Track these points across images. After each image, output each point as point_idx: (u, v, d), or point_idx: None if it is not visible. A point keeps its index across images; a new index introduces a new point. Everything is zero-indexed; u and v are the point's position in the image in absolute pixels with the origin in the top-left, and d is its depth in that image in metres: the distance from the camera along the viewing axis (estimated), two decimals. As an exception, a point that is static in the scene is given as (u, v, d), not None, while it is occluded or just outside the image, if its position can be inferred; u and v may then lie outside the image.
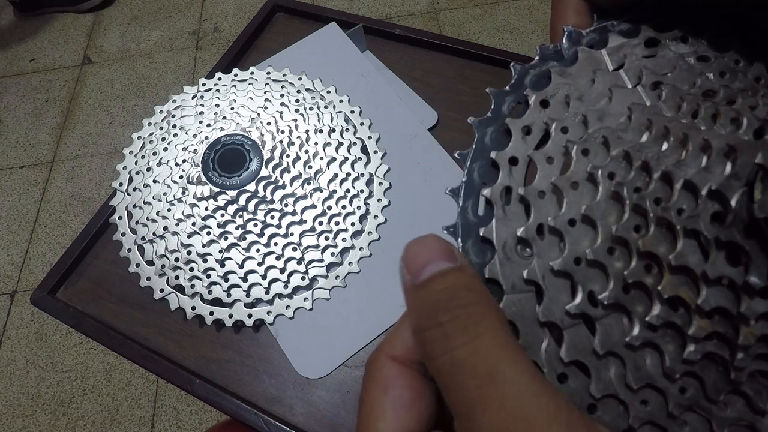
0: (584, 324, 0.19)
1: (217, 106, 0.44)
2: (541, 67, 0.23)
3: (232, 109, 0.44)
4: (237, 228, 0.40)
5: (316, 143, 0.43)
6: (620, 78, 0.22)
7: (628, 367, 0.19)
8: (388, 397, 0.19)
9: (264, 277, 0.40)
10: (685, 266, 0.18)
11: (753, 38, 0.22)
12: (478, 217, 0.21)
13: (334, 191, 0.42)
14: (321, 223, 0.41)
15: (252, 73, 0.47)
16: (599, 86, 0.22)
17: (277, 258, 0.40)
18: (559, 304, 0.19)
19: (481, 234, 0.21)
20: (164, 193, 0.41)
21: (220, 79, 0.46)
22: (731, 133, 0.18)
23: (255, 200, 0.40)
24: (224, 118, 0.43)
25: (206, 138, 0.41)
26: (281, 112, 0.44)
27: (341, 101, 0.46)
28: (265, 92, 0.45)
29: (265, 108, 0.44)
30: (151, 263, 0.41)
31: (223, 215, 0.39)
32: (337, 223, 0.41)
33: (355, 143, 0.44)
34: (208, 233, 0.39)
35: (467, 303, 0.17)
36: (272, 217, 0.40)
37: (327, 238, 0.41)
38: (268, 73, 0.47)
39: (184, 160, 0.41)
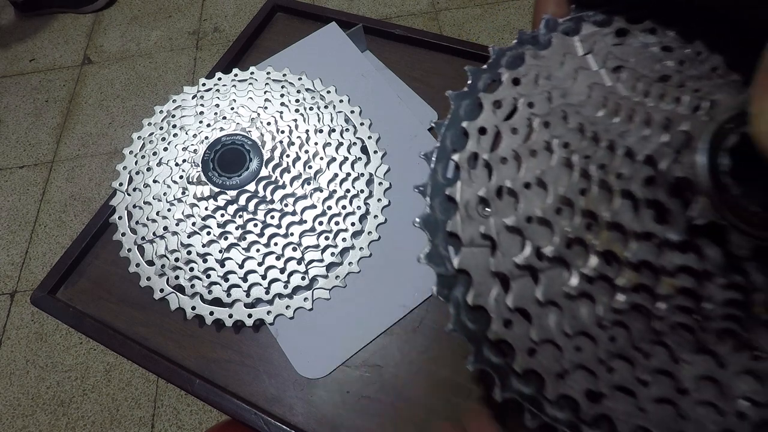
0: (530, 275, 0.21)
1: (217, 106, 0.44)
2: (518, 50, 0.25)
3: (232, 109, 0.44)
4: (237, 228, 0.39)
5: (316, 143, 0.43)
6: (587, 61, 0.24)
7: (566, 315, 0.21)
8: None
9: (264, 277, 0.40)
10: (619, 223, 0.20)
11: (718, 33, 0.23)
12: (446, 179, 0.24)
13: (334, 191, 0.42)
14: (321, 223, 0.41)
15: (252, 73, 0.47)
16: (567, 68, 0.24)
17: (277, 258, 0.40)
18: (510, 257, 0.22)
19: (446, 193, 0.23)
20: (164, 193, 0.41)
21: (220, 79, 0.46)
22: (672, 110, 0.20)
23: (255, 200, 0.40)
24: (224, 118, 0.43)
25: (206, 138, 0.41)
26: (281, 112, 0.44)
27: (341, 101, 0.46)
28: (265, 92, 0.45)
29: (265, 108, 0.44)
30: (151, 263, 0.40)
31: (223, 215, 0.39)
32: (337, 223, 0.41)
33: (355, 143, 0.44)
34: (208, 233, 0.39)
35: None
36: (272, 217, 0.40)
37: (327, 238, 0.41)
38: (268, 73, 0.47)
39: (184, 160, 0.41)
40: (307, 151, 0.42)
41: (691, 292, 0.19)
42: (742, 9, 0.22)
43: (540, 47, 0.25)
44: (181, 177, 0.41)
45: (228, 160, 0.40)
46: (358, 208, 0.42)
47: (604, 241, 0.20)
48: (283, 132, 0.42)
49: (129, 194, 0.42)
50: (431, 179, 0.24)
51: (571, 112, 0.22)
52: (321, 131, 0.44)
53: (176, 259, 0.40)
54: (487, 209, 0.23)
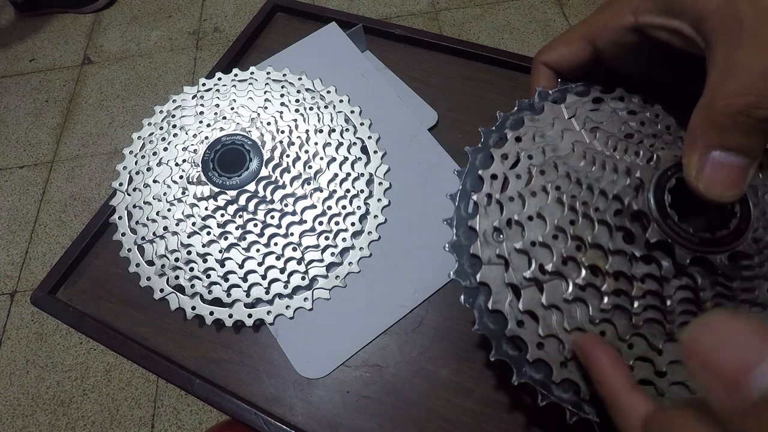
0: (536, 286, 0.28)
1: (217, 106, 0.44)
2: (518, 115, 0.32)
3: (232, 109, 0.44)
4: (237, 228, 0.40)
5: (316, 143, 0.43)
6: (571, 124, 0.31)
7: (565, 315, 0.27)
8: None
9: (264, 277, 0.40)
10: (599, 244, 0.26)
11: (673, 99, 0.31)
12: (467, 213, 0.31)
13: (334, 191, 0.42)
14: (321, 223, 0.41)
15: (252, 73, 0.47)
16: (556, 128, 0.31)
17: (277, 258, 0.40)
18: (519, 272, 0.28)
19: (469, 225, 0.30)
20: (164, 193, 0.41)
21: (220, 79, 0.46)
22: (633, 161, 0.28)
23: (255, 200, 0.40)
24: (224, 118, 0.43)
25: (206, 138, 0.41)
26: (281, 112, 0.44)
27: (341, 101, 0.46)
28: (265, 92, 0.45)
29: (265, 108, 0.44)
30: (151, 263, 0.41)
31: (223, 215, 0.39)
32: (337, 223, 0.41)
33: (355, 143, 0.44)
34: (208, 233, 0.39)
35: None
36: (272, 217, 0.40)
37: (327, 238, 0.41)
38: (268, 73, 0.47)
39: (184, 160, 0.41)
40: (307, 151, 0.42)
41: (656, 293, 0.26)
42: (685, 83, 0.30)
43: (535, 113, 0.32)
44: (181, 177, 0.41)
45: (228, 160, 0.40)
46: (358, 208, 0.42)
47: (589, 258, 0.27)
48: (283, 132, 0.42)
49: (129, 194, 0.42)
50: (456, 214, 0.31)
51: (560, 162, 0.29)
52: (321, 131, 0.44)
53: (176, 259, 0.40)
54: (500, 236, 0.29)
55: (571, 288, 0.27)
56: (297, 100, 0.45)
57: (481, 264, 0.29)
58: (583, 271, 0.27)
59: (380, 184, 0.44)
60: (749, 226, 0.24)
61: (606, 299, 0.26)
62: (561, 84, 0.33)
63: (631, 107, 0.31)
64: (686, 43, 0.25)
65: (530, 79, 0.34)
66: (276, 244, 0.40)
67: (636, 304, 0.26)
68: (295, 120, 0.43)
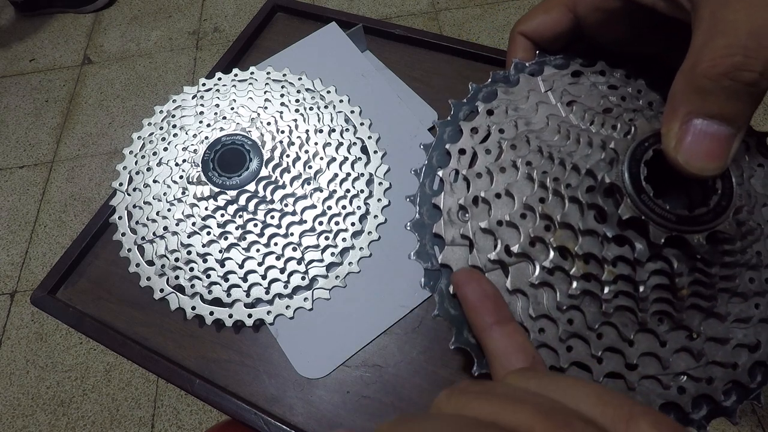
0: (501, 268, 0.26)
1: (217, 106, 0.44)
2: (491, 87, 0.31)
3: (232, 109, 0.44)
4: (237, 228, 0.40)
5: (316, 143, 0.43)
6: (547, 97, 0.29)
7: (531, 301, 0.25)
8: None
9: (264, 277, 0.40)
10: (569, 224, 0.24)
11: (658, 74, 0.29)
12: (432, 190, 0.29)
13: (334, 191, 0.42)
14: (321, 223, 0.41)
15: (252, 73, 0.47)
16: (531, 102, 0.29)
17: (277, 258, 0.40)
18: (484, 253, 0.26)
19: (433, 202, 0.28)
20: (164, 193, 0.41)
21: (220, 79, 0.46)
22: (609, 134, 0.26)
23: (255, 200, 0.40)
24: (224, 118, 0.43)
25: (206, 138, 0.41)
26: (281, 112, 0.44)
27: (341, 101, 0.46)
28: (265, 92, 0.45)
29: (265, 108, 0.44)
30: (151, 263, 0.41)
31: (223, 215, 0.39)
32: (337, 223, 0.41)
33: (355, 143, 0.44)
34: (208, 233, 0.39)
35: None
36: (272, 217, 0.40)
37: (327, 238, 0.41)
38: (268, 73, 0.47)
39: (184, 160, 0.41)
40: (307, 151, 0.42)
41: (628, 278, 0.24)
42: (670, 55, 0.28)
43: (510, 85, 0.30)
44: (181, 177, 0.41)
45: (228, 160, 0.40)
46: (358, 208, 0.42)
47: (558, 239, 0.25)
48: (283, 132, 0.42)
49: (129, 194, 0.42)
50: (420, 190, 0.29)
51: (532, 137, 0.27)
52: (321, 131, 0.44)
53: (176, 259, 0.40)
54: (465, 215, 0.27)
55: (537, 271, 0.25)
56: (297, 100, 0.45)
57: (444, 244, 0.27)
58: (552, 253, 0.25)
59: (380, 184, 0.44)
60: (731, 204, 0.22)
61: (575, 284, 0.24)
62: (539, 56, 0.31)
63: (612, 82, 0.29)
64: (671, 6, 0.23)
65: (507, 49, 0.32)
66: (276, 244, 0.40)
67: (606, 290, 0.24)
68: (295, 120, 0.43)
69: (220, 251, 0.39)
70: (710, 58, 0.20)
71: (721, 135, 0.20)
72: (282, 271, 0.40)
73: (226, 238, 0.39)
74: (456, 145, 0.29)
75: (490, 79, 0.31)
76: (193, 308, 0.39)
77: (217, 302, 0.40)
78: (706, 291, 0.24)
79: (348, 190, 0.42)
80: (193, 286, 0.39)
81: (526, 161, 0.26)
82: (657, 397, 0.24)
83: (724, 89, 0.20)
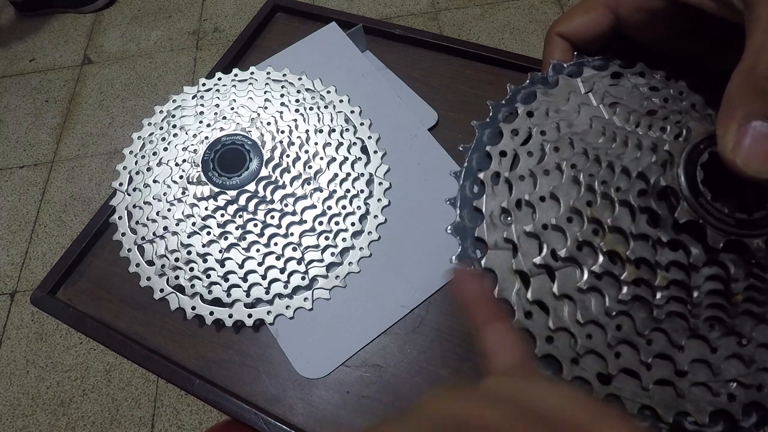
0: (546, 273, 0.25)
1: (217, 106, 0.44)
2: (530, 89, 0.30)
3: (232, 109, 0.44)
4: (237, 228, 0.40)
5: (316, 143, 0.43)
6: (588, 99, 0.29)
7: (578, 306, 0.25)
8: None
9: (264, 277, 0.40)
10: (620, 228, 0.24)
11: (698, 76, 0.28)
12: (473, 193, 0.28)
13: (334, 191, 0.42)
14: (321, 223, 0.41)
15: (252, 73, 0.47)
16: (572, 103, 0.28)
17: (277, 258, 0.40)
18: (529, 258, 0.25)
19: (474, 205, 0.27)
20: (164, 193, 0.41)
21: (220, 79, 0.46)
22: (659, 136, 0.25)
23: (255, 200, 0.40)
24: (224, 118, 0.43)
25: (206, 138, 0.41)
26: (281, 112, 0.44)
27: (341, 101, 0.46)
28: (265, 92, 0.45)
29: (265, 108, 0.44)
30: (151, 263, 0.41)
31: (223, 215, 0.39)
32: (337, 223, 0.41)
33: (355, 143, 0.44)
34: (208, 233, 0.39)
35: None
36: (272, 217, 0.40)
37: (327, 238, 0.41)
38: (268, 73, 0.47)
39: (184, 160, 0.41)
40: (307, 151, 0.42)
41: (681, 283, 0.23)
42: (713, 57, 0.28)
43: (549, 86, 0.30)
44: (181, 177, 0.41)
45: (228, 160, 0.40)
46: (358, 208, 0.42)
47: (608, 243, 0.24)
48: (283, 132, 0.42)
49: (129, 194, 0.42)
50: (460, 193, 0.28)
51: (576, 139, 0.27)
52: (321, 131, 0.44)
53: (176, 259, 0.40)
54: (508, 218, 0.27)
55: (586, 276, 0.24)
56: (297, 100, 0.45)
57: (487, 248, 0.26)
58: (601, 258, 0.24)
59: (380, 184, 0.44)
60: None
61: (625, 289, 0.24)
62: (577, 57, 0.31)
63: (653, 83, 0.29)
64: (720, 5, 0.22)
65: (543, 50, 0.32)
66: (276, 244, 0.40)
67: (658, 296, 0.23)
68: (295, 120, 0.43)
69: (220, 251, 0.39)
70: None
71: None
72: (282, 271, 0.40)
73: (226, 238, 0.39)
74: (497, 147, 0.28)
75: (528, 81, 0.30)
76: (193, 308, 0.39)
77: (217, 302, 0.40)
78: (759, 296, 0.23)
79: (348, 190, 0.42)
80: (193, 286, 0.39)
81: (571, 164, 0.26)
82: (707, 405, 0.24)
83: None
